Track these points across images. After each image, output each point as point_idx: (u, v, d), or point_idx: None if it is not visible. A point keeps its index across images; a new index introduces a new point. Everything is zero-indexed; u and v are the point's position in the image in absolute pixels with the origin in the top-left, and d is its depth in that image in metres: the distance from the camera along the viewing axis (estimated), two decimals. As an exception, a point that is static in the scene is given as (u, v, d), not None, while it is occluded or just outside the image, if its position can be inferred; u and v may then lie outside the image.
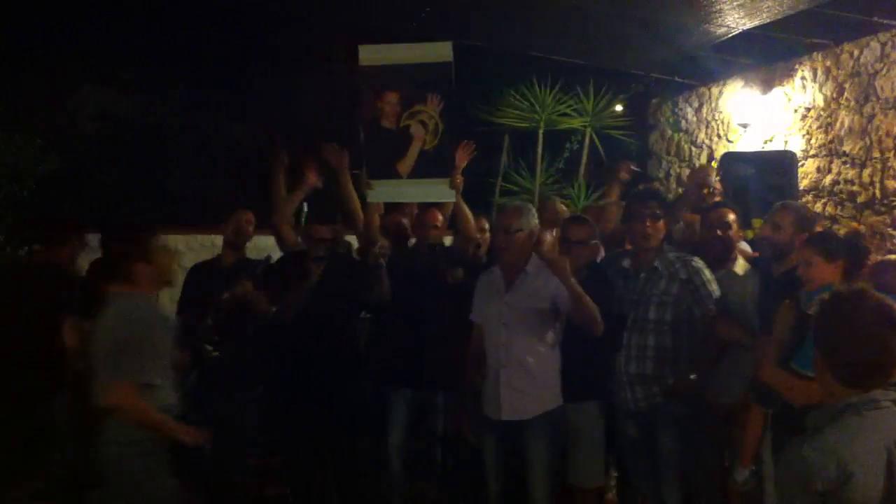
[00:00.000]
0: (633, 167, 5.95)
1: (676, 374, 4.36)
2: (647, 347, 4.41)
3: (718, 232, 4.65)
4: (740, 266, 4.62)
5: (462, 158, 5.19)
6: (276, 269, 5.11)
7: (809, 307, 3.60)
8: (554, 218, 5.23)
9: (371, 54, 5.30)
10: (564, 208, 5.93)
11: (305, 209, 5.78)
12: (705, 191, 5.25)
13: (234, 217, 5.41)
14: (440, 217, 5.35)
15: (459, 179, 5.13)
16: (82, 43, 7.78)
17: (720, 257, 4.59)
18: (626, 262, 4.60)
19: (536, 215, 4.45)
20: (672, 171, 9.85)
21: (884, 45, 6.94)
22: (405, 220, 5.39)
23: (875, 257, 4.77)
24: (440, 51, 5.20)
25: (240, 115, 8.85)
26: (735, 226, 4.71)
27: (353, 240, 5.61)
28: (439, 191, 5.20)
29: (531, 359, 4.30)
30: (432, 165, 5.19)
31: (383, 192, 5.34)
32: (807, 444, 2.31)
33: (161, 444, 3.72)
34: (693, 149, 9.56)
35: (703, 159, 9.30)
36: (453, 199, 5.19)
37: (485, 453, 4.47)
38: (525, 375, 4.28)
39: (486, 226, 5.56)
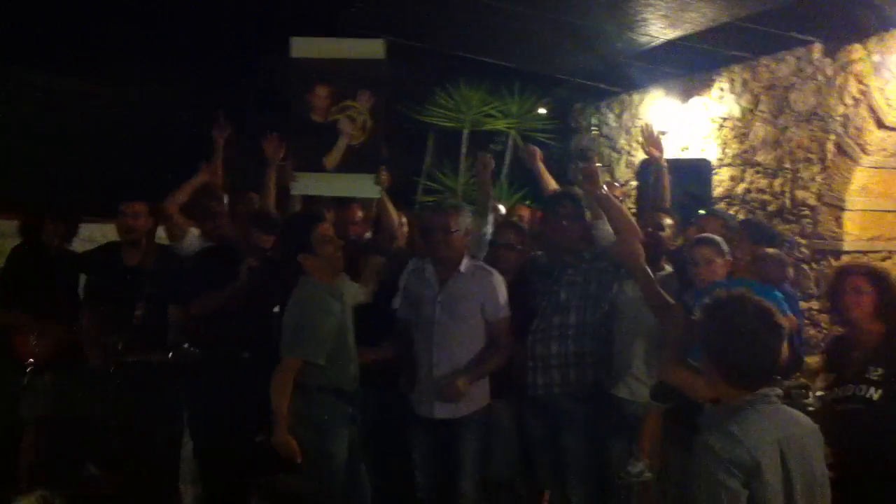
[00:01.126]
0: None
1: (579, 356, 4.40)
2: (551, 328, 4.41)
3: (650, 229, 4.69)
4: (666, 270, 4.71)
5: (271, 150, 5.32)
6: (199, 262, 5.01)
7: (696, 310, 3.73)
8: None
9: (303, 46, 5.27)
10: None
11: None
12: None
13: (121, 213, 5.10)
14: (360, 213, 5.34)
15: (386, 175, 5.14)
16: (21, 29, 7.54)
17: (651, 258, 4.59)
18: (543, 259, 4.65)
19: (470, 216, 4.50)
20: (593, 176, 9.96)
21: (799, 59, 7.16)
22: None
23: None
24: (373, 47, 5.21)
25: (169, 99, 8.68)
26: (670, 231, 4.81)
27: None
28: (364, 186, 5.20)
29: (464, 358, 4.33)
30: (358, 161, 5.19)
31: (308, 184, 5.31)
32: (713, 437, 2.39)
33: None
34: (613, 154, 9.75)
35: (623, 164, 9.50)
36: (377, 195, 5.20)
37: (415, 450, 4.49)
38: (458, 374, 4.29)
39: (404, 220, 5.56)
